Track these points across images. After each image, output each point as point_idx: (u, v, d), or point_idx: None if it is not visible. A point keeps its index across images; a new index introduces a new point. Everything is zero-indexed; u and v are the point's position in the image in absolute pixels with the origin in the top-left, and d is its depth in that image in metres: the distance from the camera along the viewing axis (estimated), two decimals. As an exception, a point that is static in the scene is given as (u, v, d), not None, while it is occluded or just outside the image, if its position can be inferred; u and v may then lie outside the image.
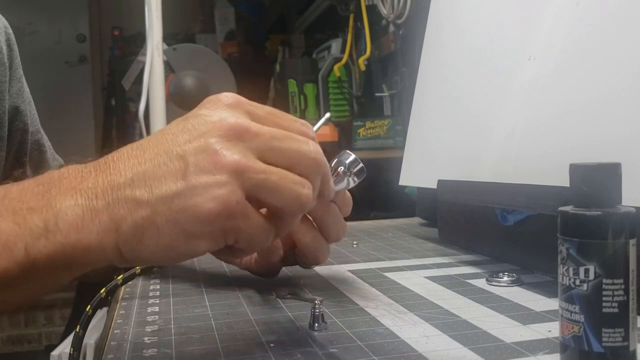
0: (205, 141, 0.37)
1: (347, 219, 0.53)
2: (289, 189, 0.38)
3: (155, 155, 0.37)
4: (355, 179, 0.51)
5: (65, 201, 0.36)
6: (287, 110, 2.13)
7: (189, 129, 0.38)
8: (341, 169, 0.51)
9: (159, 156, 0.37)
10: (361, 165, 0.52)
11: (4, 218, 0.36)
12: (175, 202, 0.36)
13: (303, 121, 0.42)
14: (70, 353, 0.46)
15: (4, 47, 0.72)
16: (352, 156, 0.51)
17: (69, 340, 0.71)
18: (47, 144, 0.80)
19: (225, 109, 0.39)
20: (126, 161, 0.38)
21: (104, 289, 0.45)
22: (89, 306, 0.45)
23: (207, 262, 0.71)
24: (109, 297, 0.51)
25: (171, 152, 0.37)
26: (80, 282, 1.92)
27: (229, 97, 0.40)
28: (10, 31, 0.74)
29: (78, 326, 0.45)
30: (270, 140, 0.38)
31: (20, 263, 0.36)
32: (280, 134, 0.39)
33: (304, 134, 0.41)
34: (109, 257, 0.37)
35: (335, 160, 0.51)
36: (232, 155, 0.36)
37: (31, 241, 0.36)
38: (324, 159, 0.41)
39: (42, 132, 0.80)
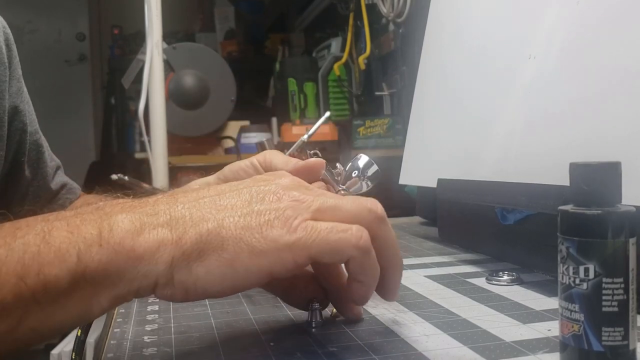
0: (274, 208, 0.38)
1: None
2: (345, 240, 0.38)
3: (217, 192, 0.39)
4: (369, 182, 0.52)
5: (123, 214, 0.36)
6: (287, 110, 2.15)
7: (250, 194, 0.39)
8: (355, 173, 0.51)
9: (223, 193, 0.39)
10: (375, 167, 0.52)
11: (57, 227, 0.35)
12: (241, 220, 0.37)
13: (380, 210, 0.41)
14: (72, 358, 0.45)
15: (3, 47, 0.72)
16: (366, 159, 0.51)
17: (68, 339, 0.71)
18: (45, 144, 0.80)
19: (290, 195, 0.39)
20: (190, 194, 0.39)
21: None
22: None
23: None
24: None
25: (235, 190, 0.39)
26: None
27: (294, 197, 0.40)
28: (9, 31, 0.74)
29: (79, 329, 0.44)
30: (324, 202, 0.39)
31: (72, 271, 0.34)
32: (335, 199, 0.40)
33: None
34: (159, 273, 0.35)
35: (349, 164, 0.51)
36: (293, 193, 0.39)
37: (84, 248, 0.35)
38: (364, 232, 0.39)
39: (40, 132, 0.80)
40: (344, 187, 0.52)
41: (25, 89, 0.77)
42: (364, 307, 0.49)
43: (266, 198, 0.38)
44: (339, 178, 0.52)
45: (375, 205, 0.40)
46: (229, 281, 0.36)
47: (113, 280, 0.35)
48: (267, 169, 0.52)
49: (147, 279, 0.35)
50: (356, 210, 0.39)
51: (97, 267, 0.34)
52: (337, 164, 0.53)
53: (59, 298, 0.34)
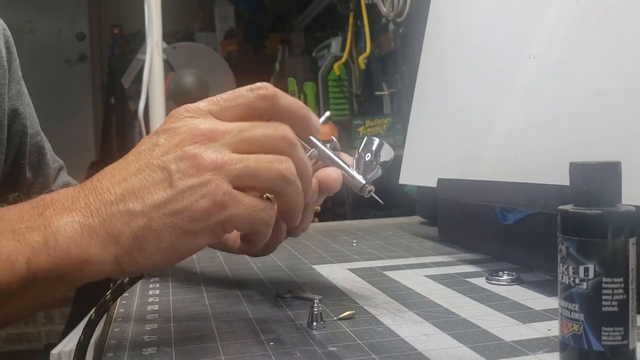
0: (182, 150, 0.40)
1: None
2: (267, 168, 0.41)
3: (137, 170, 0.40)
4: (383, 167, 0.50)
5: (62, 219, 0.39)
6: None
7: (162, 143, 0.41)
8: (368, 156, 0.49)
9: (142, 170, 0.40)
10: (390, 150, 0.50)
11: (4, 237, 0.38)
12: (168, 207, 0.39)
13: (260, 89, 0.43)
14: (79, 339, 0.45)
15: (3, 50, 0.72)
16: (378, 141, 0.50)
17: (68, 339, 0.71)
18: (47, 145, 0.80)
19: (189, 118, 0.42)
20: (111, 179, 0.40)
21: (109, 292, 0.45)
22: (92, 311, 0.44)
23: (207, 261, 0.71)
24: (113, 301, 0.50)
25: (152, 165, 0.40)
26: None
27: (187, 108, 0.43)
28: (9, 33, 0.74)
29: (81, 334, 0.44)
30: (238, 133, 0.41)
31: (22, 277, 0.38)
32: (246, 126, 0.42)
33: (264, 106, 0.43)
34: (108, 270, 0.39)
35: (362, 146, 0.50)
36: (209, 155, 0.39)
37: (33, 256, 0.38)
38: (292, 134, 0.43)
39: (42, 134, 0.80)
40: (359, 175, 0.49)
41: (25, 91, 0.77)
42: (364, 305, 0.49)
43: (186, 171, 0.39)
44: (353, 162, 0.50)
45: (284, 129, 0.43)
46: (174, 259, 0.41)
47: (65, 279, 0.39)
48: None
49: (98, 274, 0.39)
50: (271, 174, 0.41)
51: (47, 273, 0.38)
52: (332, 137, 0.51)
53: (10, 298, 0.39)
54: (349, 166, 0.49)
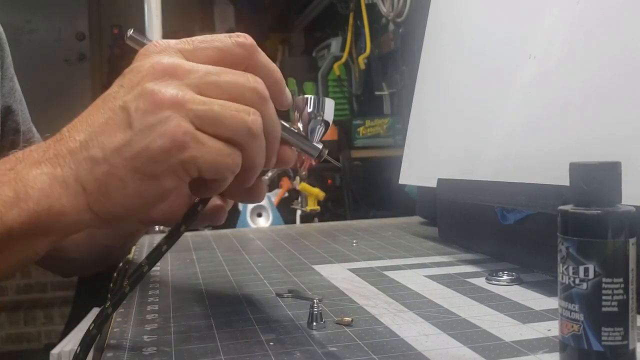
0: (142, 87, 0.38)
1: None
2: (232, 117, 0.38)
3: (101, 114, 0.39)
4: (327, 120, 0.45)
5: (32, 171, 0.38)
6: (286, 111, 2.16)
7: (126, 82, 0.39)
8: (313, 115, 0.45)
9: (104, 113, 0.39)
10: (329, 102, 0.46)
11: None
12: (127, 149, 0.37)
13: (239, 36, 0.41)
14: (76, 352, 0.44)
15: None
16: (311, 97, 0.45)
17: (68, 338, 0.71)
18: (40, 142, 0.81)
19: (156, 54, 0.39)
20: (78, 127, 0.39)
21: (126, 281, 0.42)
22: (107, 303, 0.42)
23: (207, 261, 0.71)
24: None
25: (114, 107, 0.38)
26: (80, 280, 1.92)
27: (157, 44, 0.41)
28: (1, 29, 0.74)
29: (92, 324, 0.43)
30: (205, 75, 0.39)
31: None
32: (214, 69, 0.39)
33: (241, 54, 0.41)
34: (85, 219, 0.39)
35: (310, 109, 0.45)
36: (168, 91, 0.37)
37: (5, 210, 0.38)
38: (265, 88, 0.40)
39: (34, 130, 0.80)
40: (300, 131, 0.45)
41: (18, 88, 0.77)
42: (364, 305, 0.49)
43: (145, 109, 0.37)
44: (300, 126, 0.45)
45: (255, 80, 0.40)
46: (143, 205, 0.39)
47: (44, 232, 0.39)
48: None
49: (78, 225, 0.39)
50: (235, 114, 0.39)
51: (22, 226, 0.38)
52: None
53: None
54: (305, 137, 0.45)
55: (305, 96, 0.45)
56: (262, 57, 0.42)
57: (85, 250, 0.71)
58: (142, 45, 0.42)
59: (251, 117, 0.38)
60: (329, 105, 0.45)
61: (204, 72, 0.39)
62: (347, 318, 0.46)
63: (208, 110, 0.37)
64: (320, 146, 0.46)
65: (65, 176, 0.38)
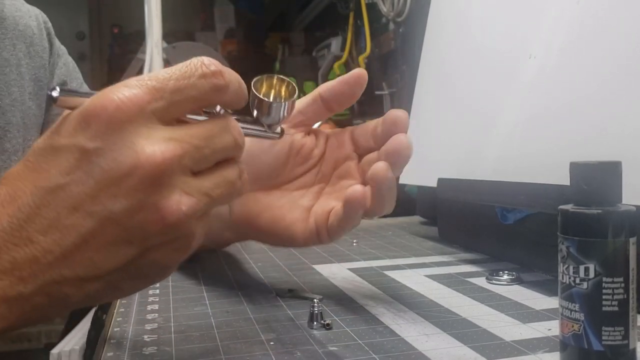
0: (135, 197, 0.31)
1: None
2: (228, 194, 0.35)
3: (76, 218, 0.31)
4: (288, 102, 0.41)
5: None
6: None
7: (104, 178, 0.31)
8: (270, 115, 0.41)
9: (83, 219, 0.31)
10: (291, 85, 0.42)
11: None
12: (132, 267, 0.33)
13: (215, 76, 0.34)
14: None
15: (45, 36, 0.73)
16: (273, 105, 0.41)
17: (68, 338, 0.71)
18: None
19: (132, 134, 0.31)
20: (39, 225, 0.31)
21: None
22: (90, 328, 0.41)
23: (207, 260, 0.71)
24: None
25: (97, 214, 0.31)
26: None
27: (121, 107, 0.31)
28: (50, 25, 0.77)
29: (99, 311, 0.42)
30: (195, 152, 0.33)
31: None
32: (202, 140, 0.33)
33: (217, 99, 0.35)
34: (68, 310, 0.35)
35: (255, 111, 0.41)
36: (172, 206, 0.31)
37: None
38: (242, 137, 0.36)
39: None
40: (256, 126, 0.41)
41: (70, 61, 0.78)
42: (364, 304, 0.49)
43: (148, 227, 0.31)
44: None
45: (235, 134, 0.35)
46: (143, 287, 0.37)
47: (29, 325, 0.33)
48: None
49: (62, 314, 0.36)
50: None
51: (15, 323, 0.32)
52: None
53: None
54: (263, 127, 0.42)
55: (268, 100, 0.41)
56: (233, 87, 0.35)
57: None
58: (81, 99, 0.32)
59: (242, 181, 0.36)
60: (294, 100, 0.42)
61: (194, 149, 0.33)
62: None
63: (209, 203, 0.34)
64: (281, 131, 0.43)
65: (30, 296, 0.31)
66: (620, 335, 0.32)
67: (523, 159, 0.62)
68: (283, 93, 0.43)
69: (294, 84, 0.43)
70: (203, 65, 0.33)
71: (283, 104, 0.41)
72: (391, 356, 0.38)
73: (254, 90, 0.40)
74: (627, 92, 0.51)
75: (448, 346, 0.40)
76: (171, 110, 0.33)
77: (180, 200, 0.32)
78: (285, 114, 0.41)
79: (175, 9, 2.39)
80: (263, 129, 0.42)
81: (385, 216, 1.11)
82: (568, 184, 0.34)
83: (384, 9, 1.54)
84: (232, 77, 0.35)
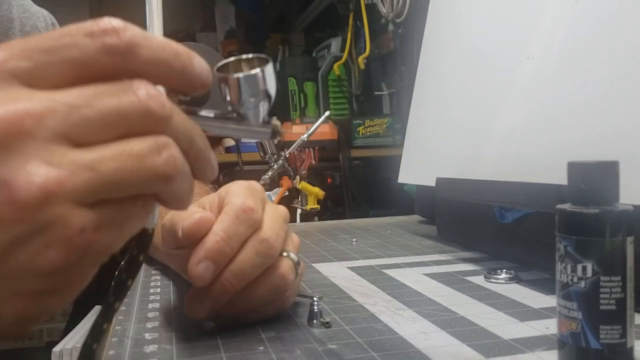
0: None
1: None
2: (135, 169, 0.25)
3: None
4: (268, 98, 0.32)
5: None
6: (287, 109, 2.16)
7: None
8: (245, 92, 0.31)
9: None
10: (269, 71, 0.32)
11: None
12: None
13: (106, 33, 0.26)
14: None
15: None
16: (240, 75, 0.31)
17: (70, 336, 0.71)
18: None
19: None
20: None
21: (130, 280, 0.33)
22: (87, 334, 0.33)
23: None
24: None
25: None
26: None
27: None
28: (52, 19, 0.75)
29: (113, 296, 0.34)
30: (70, 113, 0.24)
31: None
32: (81, 99, 0.25)
33: (111, 50, 0.26)
34: None
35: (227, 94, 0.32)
36: (30, 178, 0.23)
37: None
38: (161, 98, 0.26)
39: None
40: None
41: None
42: (363, 303, 0.50)
43: (9, 218, 0.23)
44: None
45: (145, 92, 0.26)
46: (34, 322, 0.28)
47: None
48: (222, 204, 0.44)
49: None
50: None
51: None
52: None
53: None
54: (245, 122, 0.33)
55: (235, 76, 0.31)
56: (147, 51, 0.27)
57: None
58: None
59: (162, 156, 0.26)
60: (269, 72, 0.32)
61: (66, 108, 0.24)
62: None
63: (97, 178, 0.24)
64: (270, 123, 0.34)
65: None
66: (618, 333, 0.33)
67: (521, 158, 0.62)
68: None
69: (265, 57, 0.33)
70: (94, 23, 0.26)
71: (254, 74, 0.31)
72: (390, 354, 0.38)
73: (215, 72, 0.32)
74: (625, 92, 0.51)
75: (447, 344, 0.40)
76: (41, 72, 0.25)
77: (36, 172, 0.23)
78: (261, 88, 0.32)
79: (176, 10, 2.39)
80: (245, 123, 0.32)
81: (384, 215, 1.11)
82: (566, 183, 0.35)
83: (383, 10, 1.54)
84: (137, 37, 0.26)
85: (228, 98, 0.32)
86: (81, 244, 0.25)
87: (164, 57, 0.27)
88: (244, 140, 1.64)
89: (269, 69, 0.32)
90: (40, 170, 0.23)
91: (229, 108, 0.32)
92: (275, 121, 0.34)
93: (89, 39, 0.26)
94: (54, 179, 0.23)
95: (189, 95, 0.29)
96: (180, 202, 0.28)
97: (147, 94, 0.26)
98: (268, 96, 0.33)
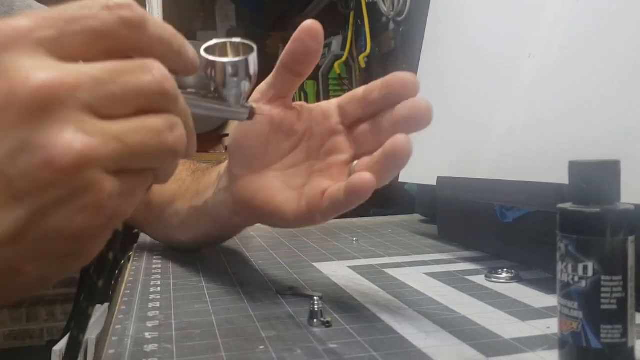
0: (15, 135, 0.24)
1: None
2: (157, 145, 0.28)
3: None
4: (247, 78, 0.36)
5: None
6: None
7: None
8: (229, 76, 0.35)
9: None
10: (253, 57, 0.37)
11: None
12: (27, 239, 0.26)
13: (122, 7, 0.28)
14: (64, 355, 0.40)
15: None
16: (228, 61, 0.35)
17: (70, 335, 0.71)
18: None
19: (6, 59, 0.25)
20: None
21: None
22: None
23: (208, 258, 0.71)
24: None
25: None
26: (82, 277, 1.93)
27: (11, 26, 0.26)
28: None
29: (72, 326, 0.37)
30: (97, 86, 0.26)
31: None
32: (106, 73, 0.27)
33: (128, 36, 0.29)
34: None
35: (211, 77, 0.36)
36: (68, 144, 0.25)
37: None
38: (171, 81, 0.29)
39: None
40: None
41: None
42: (364, 302, 0.50)
43: (37, 176, 0.25)
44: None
45: (160, 73, 0.29)
46: (50, 283, 0.30)
47: None
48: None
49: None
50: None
51: None
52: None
53: None
54: (226, 103, 0.37)
55: (222, 60, 0.35)
56: (154, 28, 0.30)
57: (191, 234, 0.67)
58: None
59: (174, 133, 0.29)
60: (253, 59, 0.37)
61: (94, 81, 0.26)
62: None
63: (122, 149, 0.27)
64: (248, 106, 0.38)
65: None
66: (619, 333, 0.33)
67: (522, 157, 0.62)
68: (241, 55, 0.37)
69: (251, 43, 0.37)
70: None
71: (240, 61, 0.34)
72: (391, 353, 0.38)
73: (203, 54, 0.35)
74: (627, 91, 0.51)
75: (447, 344, 0.40)
76: (65, 41, 0.27)
77: (73, 138, 0.25)
78: (244, 73, 0.35)
79: (177, 8, 2.39)
80: (226, 104, 0.35)
81: (385, 214, 1.11)
82: (567, 182, 0.35)
83: (384, 8, 1.54)
84: (147, 15, 0.29)
85: (213, 80, 0.35)
86: (109, 209, 0.27)
87: (166, 35, 0.30)
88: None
89: (253, 56, 0.36)
90: (77, 137, 0.25)
91: (212, 89, 0.35)
92: (253, 104, 0.38)
93: (106, 12, 0.28)
94: (89, 146, 0.25)
95: (179, 75, 0.32)
96: (167, 178, 0.32)
97: (162, 74, 0.29)
98: (250, 81, 0.36)
